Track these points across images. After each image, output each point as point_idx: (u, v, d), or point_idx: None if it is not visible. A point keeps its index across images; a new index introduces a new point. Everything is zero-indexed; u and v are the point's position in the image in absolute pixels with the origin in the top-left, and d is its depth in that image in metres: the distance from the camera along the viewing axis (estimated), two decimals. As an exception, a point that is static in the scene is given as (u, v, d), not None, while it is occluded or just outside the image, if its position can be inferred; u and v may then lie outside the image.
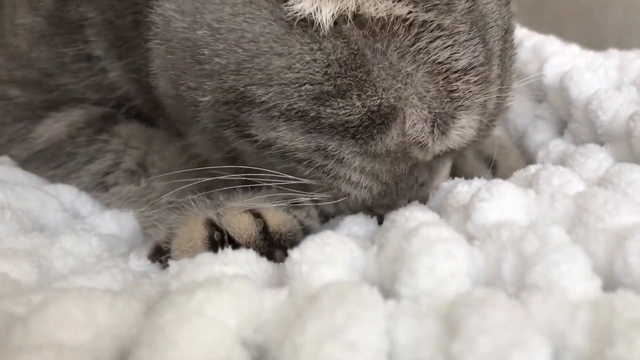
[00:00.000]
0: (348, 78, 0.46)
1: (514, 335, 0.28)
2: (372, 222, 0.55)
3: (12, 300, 0.37)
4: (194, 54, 0.48)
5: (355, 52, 0.46)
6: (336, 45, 0.46)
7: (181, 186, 0.56)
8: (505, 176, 0.58)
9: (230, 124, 0.50)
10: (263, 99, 0.47)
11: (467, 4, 0.47)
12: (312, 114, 0.47)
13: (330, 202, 0.54)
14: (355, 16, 0.46)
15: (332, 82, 0.46)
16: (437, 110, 0.48)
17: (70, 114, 0.68)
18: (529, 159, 0.78)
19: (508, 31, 0.54)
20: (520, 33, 1.02)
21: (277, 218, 0.51)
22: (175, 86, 0.52)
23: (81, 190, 0.65)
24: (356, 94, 0.46)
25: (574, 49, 0.92)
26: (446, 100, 0.48)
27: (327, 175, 0.51)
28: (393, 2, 0.45)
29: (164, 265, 0.49)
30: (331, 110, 0.47)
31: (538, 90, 0.85)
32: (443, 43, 0.47)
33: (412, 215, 0.46)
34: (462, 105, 0.49)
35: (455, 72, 0.47)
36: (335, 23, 0.46)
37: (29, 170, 0.68)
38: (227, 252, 0.42)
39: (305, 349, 0.29)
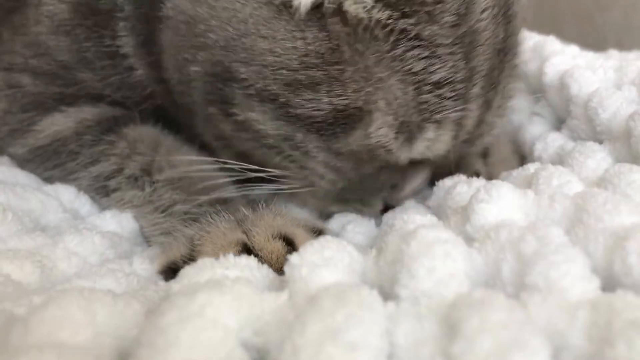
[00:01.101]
0: (321, 72, 0.47)
1: (513, 336, 0.28)
2: (373, 230, 0.55)
3: (13, 302, 0.37)
4: (192, 29, 0.51)
5: (335, 48, 0.46)
6: (318, 37, 0.47)
7: (192, 194, 0.56)
8: (496, 163, 0.58)
9: (216, 98, 0.52)
10: (243, 76, 0.49)
11: (452, 17, 0.46)
12: (281, 99, 0.48)
13: (297, 190, 0.55)
14: (340, 12, 0.46)
15: (306, 72, 0.47)
16: (403, 119, 0.48)
17: (82, 110, 0.67)
18: (523, 154, 0.77)
19: (502, 50, 0.52)
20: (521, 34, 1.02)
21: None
22: (176, 64, 0.54)
23: (80, 190, 0.64)
24: (325, 90, 0.47)
25: (574, 49, 0.92)
26: (414, 110, 0.48)
27: (296, 165, 0.53)
28: (373, 3, 0.45)
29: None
30: (299, 101, 0.48)
31: (537, 90, 0.85)
32: (419, 54, 0.46)
33: (410, 219, 0.46)
34: (430, 118, 0.49)
35: (428, 84, 0.47)
36: (323, 16, 0.46)
37: (27, 169, 0.67)
38: (229, 257, 0.42)
39: (305, 350, 0.29)
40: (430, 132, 0.50)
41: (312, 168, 0.52)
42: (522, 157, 0.77)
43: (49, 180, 0.66)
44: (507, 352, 0.27)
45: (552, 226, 0.39)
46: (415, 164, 0.56)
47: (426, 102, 0.48)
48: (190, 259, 0.48)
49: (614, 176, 0.49)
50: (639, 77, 0.73)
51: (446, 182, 0.59)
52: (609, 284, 0.36)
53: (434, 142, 0.51)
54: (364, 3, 0.45)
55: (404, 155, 0.51)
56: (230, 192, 0.56)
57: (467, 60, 0.48)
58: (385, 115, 0.48)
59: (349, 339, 0.29)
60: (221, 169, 0.58)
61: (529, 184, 0.52)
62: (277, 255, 0.47)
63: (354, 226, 0.56)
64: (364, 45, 0.46)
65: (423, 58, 0.47)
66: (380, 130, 0.49)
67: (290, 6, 0.46)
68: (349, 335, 0.29)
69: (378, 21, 0.46)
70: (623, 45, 1.03)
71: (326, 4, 0.46)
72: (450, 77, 0.48)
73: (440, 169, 0.62)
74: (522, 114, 0.84)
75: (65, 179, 0.65)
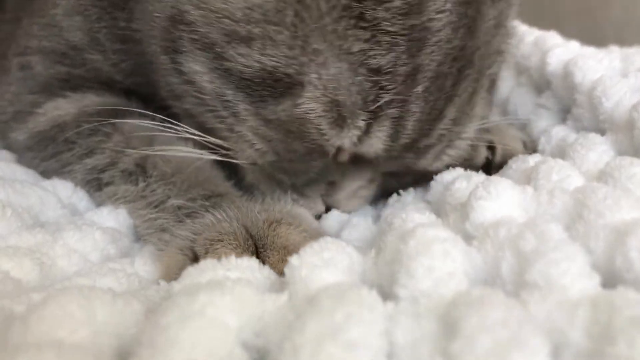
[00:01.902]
0: (259, 28, 0.47)
1: (512, 334, 0.28)
2: (368, 231, 0.55)
3: (12, 300, 0.37)
4: None
5: (280, 9, 0.46)
6: None
7: (186, 189, 0.56)
8: (503, 156, 0.58)
9: (168, 45, 0.53)
10: (192, 18, 0.50)
11: (401, 4, 0.45)
12: (217, 49, 0.49)
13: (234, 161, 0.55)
14: None
15: (245, 26, 0.47)
16: (335, 97, 0.47)
17: (85, 97, 0.68)
18: (533, 146, 0.76)
19: (459, 59, 0.49)
20: (521, 29, 1.02)
21: None
22: (143, 14, 0.56)
23: (76, 185, 0.64)
24: (258, 47, 0.47)
25: (575, 44, 0.91)
26: (346, 92, 0.47)
27: (227, 129, 0.52)
28: None
29: None
30: (232, 53, 0.48)
31: (540, 83, 0.85)
32: (360, 34, 0.45)
33: (409, 217, 0.46)
34: (364, 106, 0.47)
35: (365, 67, 0.46)
36: None
37: (26, 158, 0.68)
38: (230, 259, 0.42)
39: (304, 349, 0.29)
40: (361, 121, 0.48)
41: (241, 133, 0.52)
42: (532, 148, 0.75)
43: (46, 174, 0.67)
44: (507, 350, 0.27)
45: (551, 222, 0.38)
46: (356, 163, 0.55)
47: (359, 85, 0.46)
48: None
49: (614, 170, 0.49)
50: (645, 66, 0.72)
51: (445, 176, 0.58)
52: (610, 281, 0.35)
53: (368, 134, 0.49)
54: None
55: (333, 140, 0.50)
56: (225, 187, 0.56)
57: (412, 55, 0.47)
58: (316, 89, 0.47)
59: (348, 338, 0.29)
60: (216, 163, 0.58)
61: (528, 177, 0.51)
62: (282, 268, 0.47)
63: (349, 231, 0.56)
64: (307, 14, 0.46)
65: (363, 40, 0.45)
66: (308, 103, 0.48)
67: None
68: (349, 335, 0.29)
69: None
70: (624, 41, 1.02)
71: None
72: (390, 68, 0.46)
73: (398, 179, 0.61)
74: (527, 108, 0.84)
75: (61, 171, 0.65)
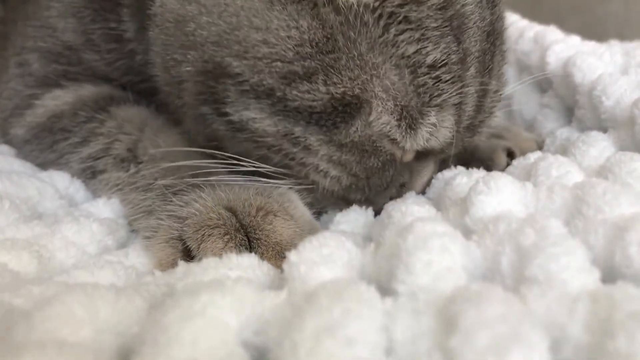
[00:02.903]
0: (316, 61, 0.47)
1: (511, 329, 0.28)
2: (362, 217, 0.55)
3: (11, 293, 0.37)
4: (181, 28, 0.51)
5: (329, 37, 0.47)
6: (312, 25, 0.47)
7: (173, 172, 0.55)
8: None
9: (208, 97, 0.51)
10: (237, 70, 0.48)
11: (438, 0, 0.47)
12: (278, 94, 0.48)
13: (300, 188, 0.54)
14: (332, 1, 0.46)
15: (301, 62, 0.47)
16: (403, 104, 0.48)
17: (82, 87, 0.69)
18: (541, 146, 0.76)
19: (491, 34, 0.53)
20: (521, 24, 1.02)
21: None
22: (165, 65, 0.54)
23: (73, 176, 0.65)
24: (322, 79, 0.47)
25: (575, 39, 0.91)
26: (412, 94, 0.48)
27: (296, 162, 0.52)
28: None
29: None
30: (296, 93, 0.47)
31: (541, 81, 0.85)
32: (410, 36, 0.47)
33: (408, 210, 0.46)
34: (431, 102, 0.49)
35: (423, 66, 0.47)
36: (315, 5, 0.47)
37: (25, 152, 0.69)
38: (232, 257, 0.42)
39: (303, 345, 0.29)
40: (432, 117, 0.49)
41: (314, 165, 0.51)
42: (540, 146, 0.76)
43: (43, 166, 0.67)
44: (505, 345, 0.27)
45: (551, 218, 0.38)
46: (420, 159, 0.55)
47: (424, 85, 0.48)
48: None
49: (614, 165, 0.49)
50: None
51: (446, 174, 0.59)
52: (610, 276, 0.35)
53: (437, 128, 0.50)
54: None
55: (408, 144, 0.51)
56: (215, 167, 0.55)
57: (459, 42, 0.49)
58: (385, 102, 0.48)
59: (346, 334, 0.29)
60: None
61: (528, 174, 0.51)
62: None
63: (341, 216, 0.55)
64: (356, 33, 0.47)
65: (414, 41, 0.47)
66: (381, 117, 0.49)
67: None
68: (347, 331, 0.29)
69: (366, 6, 0.46)
70: (624, 36, 1.02)
71: None
72: (444, 59, 0.48)
73: (446, 164, 0.61)
74: (531, 107, 0.84)
75: (57, 162, 0.66)
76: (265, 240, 0.48)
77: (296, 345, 0.29)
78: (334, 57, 0.47)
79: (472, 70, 0.50)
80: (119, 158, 0.61)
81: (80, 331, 0.32)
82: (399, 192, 0.56)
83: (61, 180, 0.64)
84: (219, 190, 0.51)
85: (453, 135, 0.52)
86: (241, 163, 0.52)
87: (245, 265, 0.41)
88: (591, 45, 0.87)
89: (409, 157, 0.54)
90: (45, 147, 0.67)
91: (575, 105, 0.73)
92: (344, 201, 0.56)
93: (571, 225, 0.40)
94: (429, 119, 0.49)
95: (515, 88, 0.85)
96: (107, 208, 0.59)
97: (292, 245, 0.47)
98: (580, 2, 1.50)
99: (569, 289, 0.32)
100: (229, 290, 0.34)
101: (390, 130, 0.49)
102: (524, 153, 0.67)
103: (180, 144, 0.59)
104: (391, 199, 0.56)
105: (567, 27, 0.98)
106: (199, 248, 0.46)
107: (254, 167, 0.53)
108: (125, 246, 0.54)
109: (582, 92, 0.71)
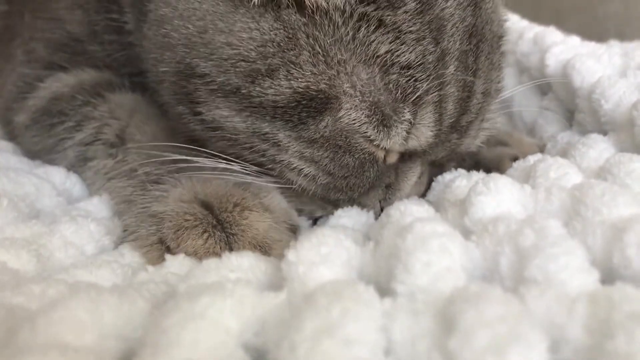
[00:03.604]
0: (278, 58, 0.48)
1: (511, 329, 0.28)
2: (363, 215, 0.55)
3: (12, 291, 0.37)
4: (159, 29, 0.53)
5: (290, 36, 0.48)
6: (273, 26, 0.48)
7: (156, 156, 0.56)
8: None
9: (183, 97, 0.53)
10: (204, 71, 0.50)
11: (415, 4, 0.47)
12: (243, 91, 0.49)
13: (278, 187, 0.55)
14: (296, 3, 0.47)
15: (264, 61, 0.48)
16: (372, 99, 0.48)
17: (84, 71, 0.70)
18: (543, 150, 0.76)
19: (474, 35, 0.52)
20: (521, 25, 1.02)
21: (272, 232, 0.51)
22: (149, 62, 0.56)
23: (69, 169, 0.66)
24: (283, 74, 0.48)
25: (575, 39, 0.91)
26: (383, 91, 0.48)
27: (269, 159, 0.52)
28: None
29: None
30: (260, 89, 0.48)
31: (542, 84, 0.85)
32: (383, 38, 0.47)
33: (407, 210, 0.46)
34: (404, 99, 0.48)
35: (396, 66, 0.47)
36: (278, 7, 0.48)
37: (26, 139, 0.70)
38: (232, 258, 0.42)
39: (302, 346, 0.29)
40: (406, 114, 0.49)
41: (286, 162, 0.52)
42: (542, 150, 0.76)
43: (43, 153, 0.68)
44: (504, 346, 0.27)
45: (549, 219, 0.38)
46: (405, 160, 0.55)
47: (395, 82, 0.48)
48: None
49: (613, 166, 0.49)
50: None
51: (445, 177, 0.59)
52: (608, 277, 0.35)
53: (414, 125, 0.50)
54: None
55: (384, 142, 0.50)
56: (197, 153, 0.55)
57: (437, 43, 0.49)
58: (353, 98, 0.48)
59: (345, 334, 0.29)
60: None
61: (527, 175, 0.51)
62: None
63: (342, 211, 0.55)
64: (321, 31, 0.47)
65: (387, 41, 0.47)
66: (350, 113, 0.48)
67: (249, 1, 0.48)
68: (345, 332, 0.29)
69: (336, 7, 0.47)
70: (624, 36, 1.02)
71: None
72: (419, 60, 0.48)
73: (440, 169, 0.61)
74: (531, 111, 0.84)
75: (56, 150, 0.66)
76: (242, 236, 0.49)
77: (295, 346, 0.29)
78: (295, 54, 0.47)
79: (452, 68, 0.50)
80: (108, 143, 0.62)
81: (84, 336, 0.32)
82: (386, 193, 0.56)
83: (57, 175, 0.64)
84: (196, 183, 0.52)
85: (435, 135, 0.51)
86: (222, 162, 0.53)
87: (245, 267, 0.41)
88: (590, 46, 0.87)
89: (392, 158, 0.54)
90: (44, 131, 0.68)
91: (575, 109, 0.74)
92: (327, 202, 0.56)
93: (570, 226, 0.40)
94: (403, 116, 0.49)
95: (514, 92, 0.86)
96: (103, 206, 0.59)
97: (268, 237, 0.49)
98: (580, 2, 1.50)
99: (568, 289, 0.32)
100: (230, 292, 0.34)
101: (360, 127, 0.49)
102: None
103: (166, 134, 0.60)
104: (380, 202, 0.56)
105: (567, 27, 0.98)
106: (179, 247, 0.48)
107: (239, 166, 0.53)
108: (121, 245, 0.54)
109: (581, 96, 0.72)
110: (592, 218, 0.39)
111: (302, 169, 0.52)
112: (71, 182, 0.65)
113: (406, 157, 0.54)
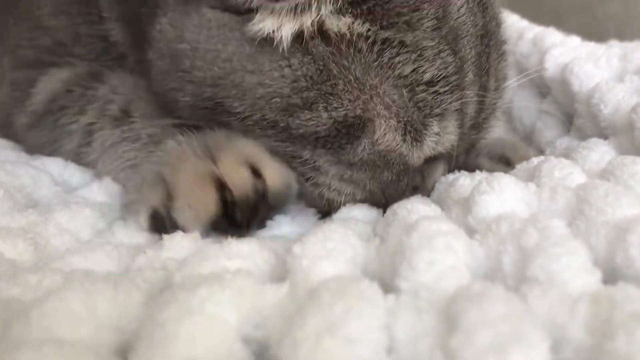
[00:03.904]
0: (314, 91, 0.48)
1: (513, 329, 0.28)
2: (374, 209, 0.55)
3: (8, 282, 0.36)
4: (177, 63, 0.52)
5: (322, 68, 0.48)
6: (303, 61, 0.48)
7: (160, 120, 0.56)
8: None
9: (209, 121, 0.52)
10: (238, 110, 0.50)
11: (432, 22, 0.49)
12: (282, 125, 0.49)
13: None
14: (322, 32, 0.48)
15: (299, 95, 0.48)
16: (405, 119, 0.50)
17: (75, 65, 0.70)
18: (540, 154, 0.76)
19: (485, 36, 0.54)
20: (521, 25, 1.02)
21: (276, 174, 0.51)
22: (163, 88, 0.55)
23: (67, 160, 0.65)
24: (322, 106, 0.48)
25: (575, 40, 0.91)
26: (413, 110, 0.49)
27: (308, 181, 0.53)
28: (352, 20, 0.47)
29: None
30: (299, 122, 0.49)
31: (541, 85, 0.85)
32: (406, 58, 0.48)
33: (413, 208, 0.46)
34: (431, 114, 0.50)
35: (421, 84, 0.49)
36: (304, 40, 0.48)
37: (32, 134, 0.70)
38: (231, 245, 0.41)
39: (304, 343, 0.29)
40: (435, 127, 0.51)
41: (326, 184, 0.53)
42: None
43: (49, 144, 0.68)
44: (506, 345, 0.27)
45: (553, 218, 0.39)
46: (430, 161, 0.56)
47: (423, 100, 0.49)
48: (169, 202, 0.48)
49: (616, 168, 0.49)
50: (642, 66, 0.72)
51: (449, 177, 0.59)
52: (611, 277, 0.35)
53: (441, 135, 0.52)
54: (343, 19, 0.47)
55: (416, 154, 0.53)
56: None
57: (455, 52, 0.50)
58: (388, 120, 0.50)
59: (348, 332, 0.29)
60: None
61: (531, 176, 0.51)
62: (243, 183, 0.48)
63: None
64: (349, 60, 0.48)
65: (410, 62, 0.48)
66: (386, 135, 0.50)
67: (272, 39, 0.47)
68: (348, 329, 0.29)
69: (359, 34, 0.47)
70: (624, 36, 1.02)
71: (307, 30, 0.47)
72: (442, 74, 0.49)
73: (456, 160, 0.62)
74: (530, 113, 0.84)
75: (61, 138, 0.66)
76: (224, 149, 0.49)
77: (297, 344, 0.29)
78: (330, 84, 0.48)
79: (470, 75, 0.52)
80: (114, 117, 0.62)
81: (80, 329, 0.32)
82: (413, 194, 0.57)
83: (55, 166, 0.64)
84: (199, 136, 0.52)
85: (459, 138, 0.54)
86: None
87: (245, 253, 0.41)
88: (590, 47, 0.87)
89: (418, 162, 0.55)
90: (49, 126, 0.68)
91: (574, 114, 0.74)
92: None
93: (573, 226, 0.40)
94: (432, 129, 0.51)
95: (512, 85, 0.85)
96: (101, 192, 0.59)
97: (254, 157, 0.49)
98: (580, 2, 1.50)
99: (570, 289, 0.32)
100: (228, 283, 0.34)
101: (396, 146, 0.51)
102: None
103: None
104: None
105: (567, 27, 0.98)
106: (173, 176, 0.48)
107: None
108: (116, 226, 0.53)
109: (580, 101, 0.72)
110: (596, 218, 0.39)
111: (342, 189, 0.53)
112: (69, 172, 0.64)
113: (431, 158, 0.56)
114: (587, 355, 0.29)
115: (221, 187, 0.48)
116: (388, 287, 0.35)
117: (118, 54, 0.67)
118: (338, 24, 0.47)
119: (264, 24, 0.47)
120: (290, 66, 0.48)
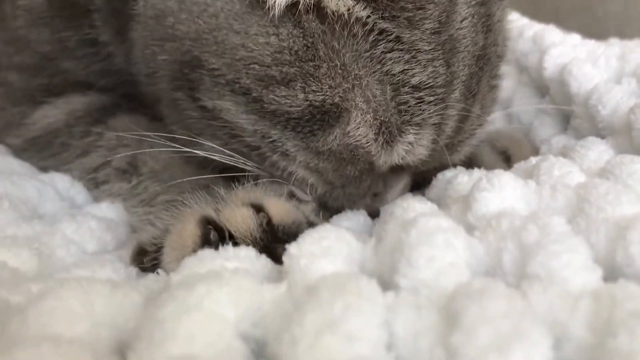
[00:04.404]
0: (295, 68, 0.46)
1: (513, 326, 0.28)
2: (362, 216, 0.55)
3: (9, 290, 0.36)
4: (161, 22, 0.51)
5: (309, 45, 0.46)
6: (292, 33, 0.46)
7: (175, 185, 0.55)
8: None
9: (183, 83, 0.51)
10: (213, 66, 0.48)
11: (433, 24, 0.47)
12: (254, 94, 0.48)
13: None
14: (319, 8, 0.46)
15: (279, 68, 0.46)
16: (382, 119, 0.48)
17: (70, 101, 0.68)
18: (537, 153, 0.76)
19: (481, 58, 0.52)
20: (521, 23, 1.02)
21: (281, 208, 0.50)
22: (144, 57, 0.54)
23: (74, 179, 0.65)
24: (300, 86, 0.47)
25: (575, 38, 0.91)
26: (393, 111, 0.48)
27: (278, 170, 0.52)
28: (355, 2, 0.45)
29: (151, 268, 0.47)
30: (273, 96, 0.47)
31: (539, 82, 0.85)
32: (398, 56, 0.46)
33: (410, 206, 0.46)
34: (410, 121, 0.48)
35: (407, 86, 0.47)
36: (297, 11, 0.46)
37: (22, 159, 0.69)
38: (228, 249, 0.42)
39: (303, 340, 0.29)
40: (410, 136, 0.49)
41: (292, 171, 0.52)
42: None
43: (44, 169, 0.67)
44: (507, 342, 0.27)
45: (553, 216, 0.38)
46: (395, 171, 0.55)
47: (405, 103, 0.48)
48: (159, 241, 0.47)
49: (615, 167, 0.49)
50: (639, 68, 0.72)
51: (446, 174, 0.58)
52: (611, 274, 0.35)
53: (414, 146, 0.50)
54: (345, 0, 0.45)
55: (384, 158, 0.50)
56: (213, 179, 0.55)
57: (448, 65, 0.48)
58: (364, 114, 0.47)
59: (347, 329, 0.29)
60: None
61: (530, 174, 0.51)
62: (243, 219, 0.46)
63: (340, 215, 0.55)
64: (340, 43, 0.46)
65: (402, 61, 0.47)
66: (359, 129, 0.48)
67: (264, 2, 0.46)
68: (347, 326, 0.29)
69: (358, 19, 0.46)
70: (624, 36, 1.02)
71: (303, 2, 0.46)
72: (430, 82, 0.48)
73: (421, 176, 0.61)
74: (529, 112, 0.84)
75: (59, 168, 0.66)
76: (228, 200, 0.49)
77: (296, 341, 0.29)
78: (313, 65, 0.46)
79: (457, 93, 0.50)
80: (120, 170, 0.61)
81: (76, 326, 0.32)
82: (373, 201, 0.56)
83: (62, 182, 0.64)
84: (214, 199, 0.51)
85: (429, 154, 0.52)
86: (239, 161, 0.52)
87: (243, 256, 0.41)
88: (590, 46, 0.87)
89: (384, 167, 0.53)
90: (45, 156, 0.67)
91: (571, 115, 0.74)
92: (322, 208, 0.56)
93: (573, 224, 0.40)
94: (407, 137, 0.49)
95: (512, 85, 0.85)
96: (109, 210, 0.59)
97: (256, 198, 0.49)
98: (580, 1, 1.50)
99: (571, 286, 0.32)
100: (226, 281, 0.33)
101: (367, 143, 0.49)
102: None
103: (180, 159, 0.59)
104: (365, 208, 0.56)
105: (567, 26, 0.98)
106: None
107: (255, 167, 0.53)
108: (124, 245, 0.54)
109: (578, 102, 0.72)
110: (596, 216, 0.39)
111: (306, 178, 0.52)
112: (76, 190, 0.64)
113: (397, 168, 0.54)
114: (589, 354, 0.29)
115: (208, 224, 0.46)
116: (386, 284, 0.35)
117: (107, 53, 0.65)
118: (338, 3, 0.45)
119: None
120: (277, 35, 0.46)
